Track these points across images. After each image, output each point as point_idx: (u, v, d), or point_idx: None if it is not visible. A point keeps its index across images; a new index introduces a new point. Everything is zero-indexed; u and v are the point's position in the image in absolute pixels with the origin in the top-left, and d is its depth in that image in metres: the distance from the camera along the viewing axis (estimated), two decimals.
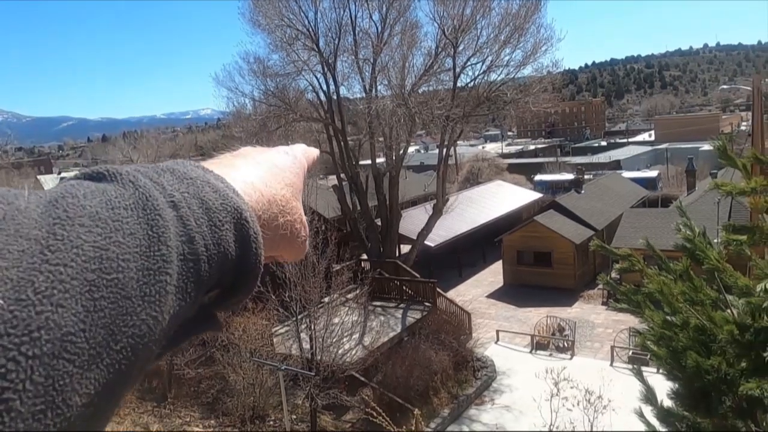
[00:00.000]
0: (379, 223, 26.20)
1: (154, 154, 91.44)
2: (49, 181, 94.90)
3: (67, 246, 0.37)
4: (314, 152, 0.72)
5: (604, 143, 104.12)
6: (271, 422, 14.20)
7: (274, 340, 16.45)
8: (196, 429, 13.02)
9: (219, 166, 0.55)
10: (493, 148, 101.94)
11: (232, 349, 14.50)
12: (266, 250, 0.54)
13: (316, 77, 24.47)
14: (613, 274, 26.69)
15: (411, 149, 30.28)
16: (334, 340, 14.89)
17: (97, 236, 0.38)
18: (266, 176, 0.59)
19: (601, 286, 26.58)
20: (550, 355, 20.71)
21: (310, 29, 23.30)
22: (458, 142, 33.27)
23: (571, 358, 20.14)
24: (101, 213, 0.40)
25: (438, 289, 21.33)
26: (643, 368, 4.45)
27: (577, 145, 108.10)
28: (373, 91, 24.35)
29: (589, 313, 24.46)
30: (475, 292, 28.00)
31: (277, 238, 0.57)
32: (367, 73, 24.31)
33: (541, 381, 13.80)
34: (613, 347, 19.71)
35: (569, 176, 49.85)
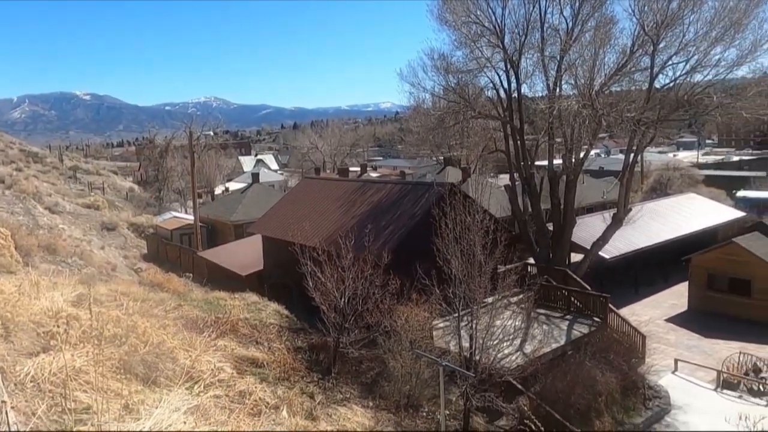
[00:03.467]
0: (551, 228, 25.13)
1: (337, 142, 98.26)
2: (247, 162, 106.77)
3: None
4: None
5: None
6: (424, 413, 14.38)
7: (434, 333, 16.65)
8: (355, 406, 13.70)
9: None
10: (686, 156, 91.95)
11: (394, 336, 14.97)
12: None
13: (498, 74, 24.14)
14: None
15: (591, 152, 28.44)
16: (494, 342, 14.59)
17: None
18: None
19: None
20: (740, 397, 18.11)
21: (497, 26, 22.99)
22: (647, 147, 30.53)
23: (767, 405, 17.41)
24: None
25: (610, 305, 19.85)
26: None
27: None
28: (557, 89, 23.34)
29: None
30: (653, 313, 25.51)
31: None
32: (552, 71, 23.37)
33: (731, 426, 12.08)
34: None
35: None
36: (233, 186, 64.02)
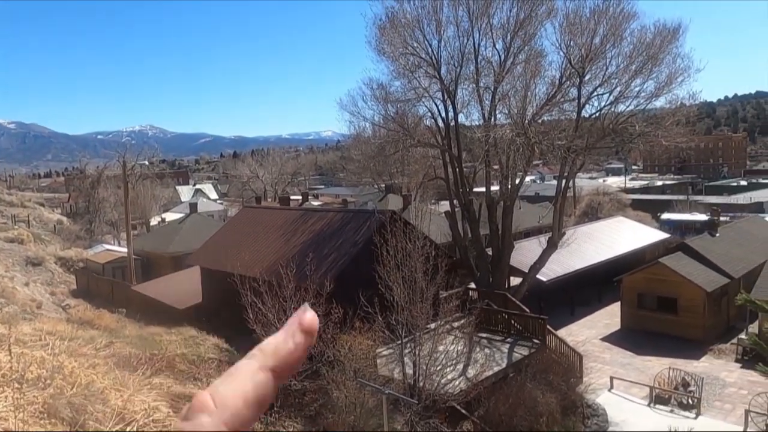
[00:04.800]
0: (490, 253, 25.70)
1: (278, 171, 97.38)
2: (185, 191, 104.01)
3: None
4: (285, 348, 0.65)
5: (743, 183, 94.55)
6: None
7: (378, 361, 16.56)
8: None
9: None
10: (615, 182, 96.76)
11: (337, 365, 14.79)
12: None
13: (436, 104, 24.79)
14: (752, 329, 24.03)
15: (527, 179, 29.44)
16: (438, 368, 14.69)
17: None
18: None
19: (735, 341, 23.97)
20: (672, 411, 18.90)
21: (433, 57, 23.68)
22: (578, 174, 32.00)
23: (696, 418, 18.24)
24: None
25: (548, 327, 20.40)
26: None
27: (711, 183, 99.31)
28: (492, 119, 24.15)
29: (720, 369, 22.08)
30: (589, 333, 26.39)
31: None
32: (487, 101, 24.21)
33: None
34: (747, 411, 17.57)
35: (701, 217, 45.95)
36: (170, 216, 62.01)
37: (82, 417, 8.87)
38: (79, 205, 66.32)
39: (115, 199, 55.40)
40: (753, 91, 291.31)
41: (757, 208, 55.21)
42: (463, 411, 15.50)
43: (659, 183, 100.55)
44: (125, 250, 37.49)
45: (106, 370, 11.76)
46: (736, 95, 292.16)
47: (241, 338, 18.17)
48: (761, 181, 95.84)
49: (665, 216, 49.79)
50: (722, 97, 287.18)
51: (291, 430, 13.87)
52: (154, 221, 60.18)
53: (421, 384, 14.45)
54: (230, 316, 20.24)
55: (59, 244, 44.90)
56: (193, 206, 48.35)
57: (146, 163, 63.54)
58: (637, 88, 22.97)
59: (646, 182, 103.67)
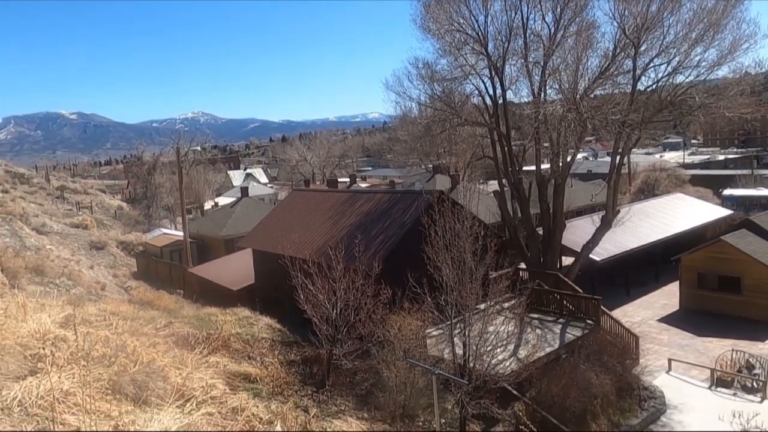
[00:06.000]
0: (541, 233, 25.19)
1: (326, 154, 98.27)
2: (236, 176, 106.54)
3: None
4: None
5: None
6: (420, 423, 14.28)
7: (428, 341, 16.56)
8: (350, 418, 13.59)
9: None
10: (672, 156, 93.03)
11: (387, 346, 14.87)
12: None
13: (483, 81, 24.23)
14: None
15: (579, 156, 28.57)
16: (488, 348, 14.54)
17: None
18: None
19: None
20: (735, 394, 18.16)
21: (480, 33, 23.13)
22: (633, 149, 30.80)
23: (761, 402, 17.45)
24: None
25: (602, 307, 19.88)
26: None
27: None
28: (542, 94, 23.45)
29: None
30: (645, 314, 25.61)
31: None
32: (536, 77, 23.50)
33: (725, 424, 12.10)
34: None
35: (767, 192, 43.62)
36: (223, 201, 63.77)
37: (145, 393, 9.30)
38: (137, 191, 69.04)
39: (171, 185, 57.33)
40: None
41: None
42: (515, 392, 15.37)
43: (721, 157, 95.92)
44: (181, 233, 38.84)
45: (165, 348, 12.27)
46: None
47: (293, 318, 18.58)
48: None
49: (728, 192, 47.49)
50: None
51: (343, 408, 14.09)
52: (208, 205, 62.05)
53: (471, 364, 14.35)
54: (282, 296, 20.70)
55: (120, 229, 46.98)
56: (244, 190, 49.46)
57: (199, 149, 65.26)
58: (697, 58, 21.74)
59: (706, 157, 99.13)
